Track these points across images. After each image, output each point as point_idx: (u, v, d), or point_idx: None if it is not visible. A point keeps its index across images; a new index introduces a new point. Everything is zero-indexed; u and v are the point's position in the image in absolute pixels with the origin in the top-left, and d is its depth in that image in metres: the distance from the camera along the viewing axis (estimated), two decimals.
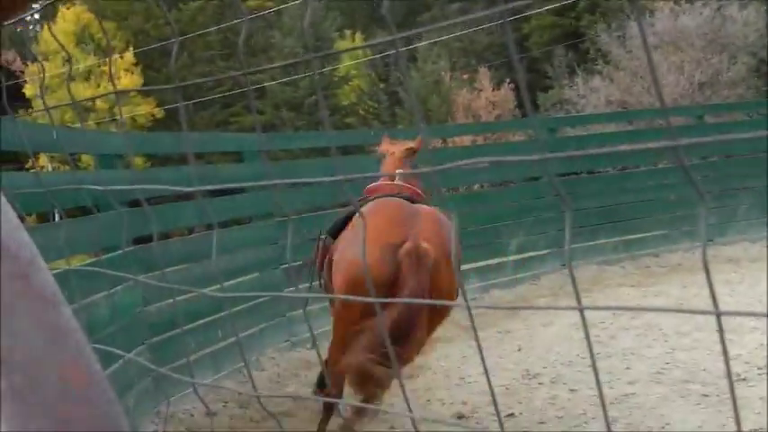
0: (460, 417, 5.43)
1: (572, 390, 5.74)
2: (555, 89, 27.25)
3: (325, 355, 4.64)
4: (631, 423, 5.07)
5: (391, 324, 3.96)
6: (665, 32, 23.69)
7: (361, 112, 31.25)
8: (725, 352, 0.97)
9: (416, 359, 6.35)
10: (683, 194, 11.51)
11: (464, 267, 9.62)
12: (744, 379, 5.66)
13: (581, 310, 1.10)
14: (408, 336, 4.09)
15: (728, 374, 0.97)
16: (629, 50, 24.10)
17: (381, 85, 31.12)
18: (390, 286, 4.20)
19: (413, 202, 4.91)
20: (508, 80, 28.66)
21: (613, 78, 24.32)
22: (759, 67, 22.68)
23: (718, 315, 0.96)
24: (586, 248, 10.50)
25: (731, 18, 23.72)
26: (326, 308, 7.73)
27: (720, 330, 0.96)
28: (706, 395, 5.40)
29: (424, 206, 4.86)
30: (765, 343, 6.45)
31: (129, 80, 32.28)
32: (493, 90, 28.21)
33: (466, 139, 22.01)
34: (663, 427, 4.96)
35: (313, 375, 6.38)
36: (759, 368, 5.82)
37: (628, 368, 6.19)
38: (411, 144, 5.63)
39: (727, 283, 9.08)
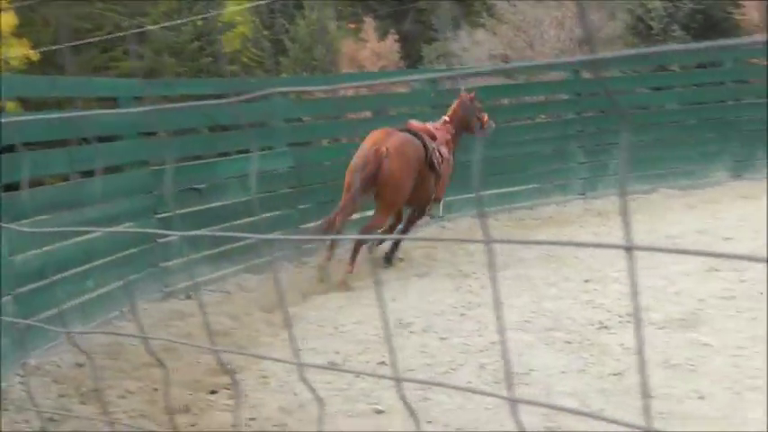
0: (333, 365, 5.50)
1: (442, 338, 5.88)
2: (440, 41, 27.37)
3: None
4: (498, 369, 5.23)
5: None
6: None
7: (244, 59, 30.73)
8: (495, 294, 1.02)
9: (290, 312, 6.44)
10: (557, 148, 11.81)
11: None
12: (605, 327, 5.90)
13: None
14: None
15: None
16: (513, 4, 24.37)
17: (266, 33, 30.67)
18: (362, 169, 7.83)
19: (416, 134, 8.35)
20: (393, 31, 28.65)
21: (496, 32, 24.58)
22: (636, 25, 23.24)
23: (488, 242, 1.02)
24: (463, 201, 10.68)
25: None
26: (207, 256, 7.73)
27: (493, 277, 1.01)
28: (569, 342, 5.62)
29: (403, 133, 8.31)
30: (627, 292, 6.74)
31: (4, 20, 30.91)
32: (378, 41, 28.17)
33: (350, 90, 21.95)
34: (528, 373, 5.13)
35: (185, 325, 6.36)
36: (620, 316, 6.07)
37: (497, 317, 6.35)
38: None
39: (595, 235, 9.41)
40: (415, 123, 8.72)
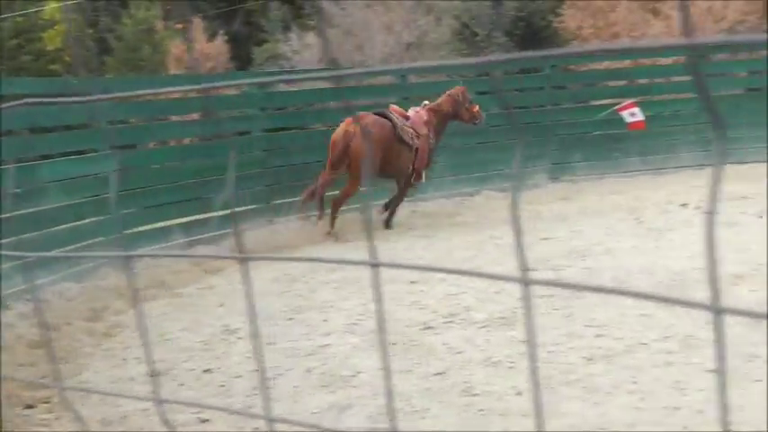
0: (156, 374, 5.39)
1: (269, 343, 5.85)
2: (269, 43, 27.24)
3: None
4: (325, 372, 5.26)
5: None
6: None
7: (67, 58, 29.64)
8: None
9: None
10: None
11: (169, 223, 9.51)
12: (430, 327, 6.03)
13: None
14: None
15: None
16: (343, 8, 24.52)
17: (90, 31, 29.68)
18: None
19: (385, 115, 10.14)
20: (222, 32, 28.29)
21: (326, 35, 24.65)
22: (462, 31, 23.84)
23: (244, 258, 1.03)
24: (289, 204, 10.65)
25: None
26: (17, 266, 7.40)
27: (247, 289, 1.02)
28: (395, 343, 5.70)
29: (374, 115, 9.99)
30: (453, 293, 6.93)
31: None
32: (207, 42, 27.77)
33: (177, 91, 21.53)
34: (355, 375, 5.18)
35: None
36: (444, 317, 6.22)
37: (325, 320, 6.40)
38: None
39: (424, 237, 9.59)
40: (393, 107, 10.45)
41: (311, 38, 24.84)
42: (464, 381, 4.95)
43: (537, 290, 6.73)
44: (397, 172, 10.22)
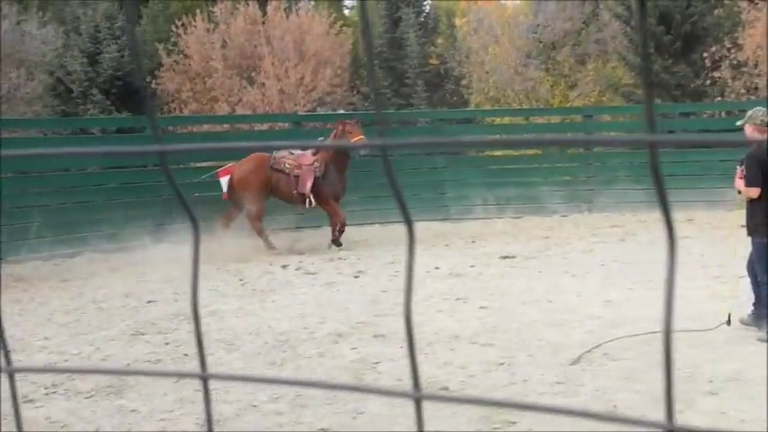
0: None
1: None
2: None
3: None
4: None
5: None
6: None
7: None
8: None
9: None
10: None
11: None
12: (31, 400, 5.64)
13: None
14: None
15: None
16: None
17: None
18: None
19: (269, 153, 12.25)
20: None
21: None
22: (56, 86, 22.93)
23: None
24: None
25: (30, 34, 23.67)
26: None
27: None
28: None
29: (260, 153, 12.05)
30: (54, 361, 6.54)
31: None
32: None
33: None
34: None
35: None
36: (47, 387, 5.86)
37: None
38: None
39: (17, 302, 8.99)
40: (291, 148, 11.39)
41: None
42: None
43: (145, 356, 6.58)
44: (286, 194, 12.16)
